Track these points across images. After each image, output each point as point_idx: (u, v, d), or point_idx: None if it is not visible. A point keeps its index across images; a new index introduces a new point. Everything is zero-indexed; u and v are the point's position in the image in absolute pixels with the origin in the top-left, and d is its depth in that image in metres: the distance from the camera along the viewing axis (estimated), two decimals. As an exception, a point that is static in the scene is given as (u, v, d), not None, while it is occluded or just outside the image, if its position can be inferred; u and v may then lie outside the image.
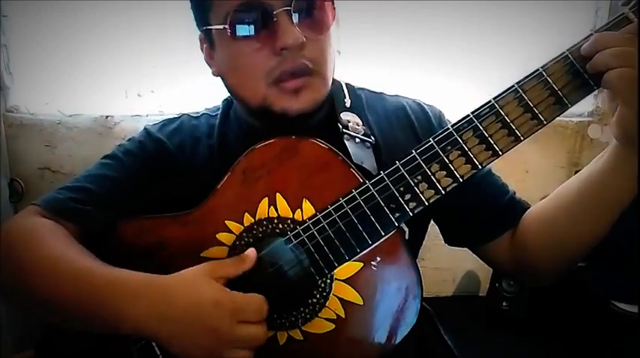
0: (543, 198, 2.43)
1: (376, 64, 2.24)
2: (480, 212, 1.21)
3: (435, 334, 1.33)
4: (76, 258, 1.03)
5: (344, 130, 1.15)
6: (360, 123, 1.19)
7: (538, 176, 2.40)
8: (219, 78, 1.20)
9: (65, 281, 0.99)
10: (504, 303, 2.24)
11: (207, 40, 1.17)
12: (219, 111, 1.31)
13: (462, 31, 2.31)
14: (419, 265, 1.04)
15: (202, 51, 1.21)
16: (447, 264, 2.41)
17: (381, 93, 1.34)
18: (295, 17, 1.04)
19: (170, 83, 2.22)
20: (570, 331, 2.15)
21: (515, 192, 1.27)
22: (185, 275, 0.98)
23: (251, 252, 1.02)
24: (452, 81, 2.34)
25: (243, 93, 1.15)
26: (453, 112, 2.25)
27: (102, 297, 0.96)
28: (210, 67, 1.21)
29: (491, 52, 2.36)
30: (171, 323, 0.93)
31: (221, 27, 1.08)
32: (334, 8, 1.13)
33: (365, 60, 2.19)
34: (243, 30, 1.06)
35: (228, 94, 1.32)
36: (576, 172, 2.37)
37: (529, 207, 1.21)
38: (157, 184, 1.20)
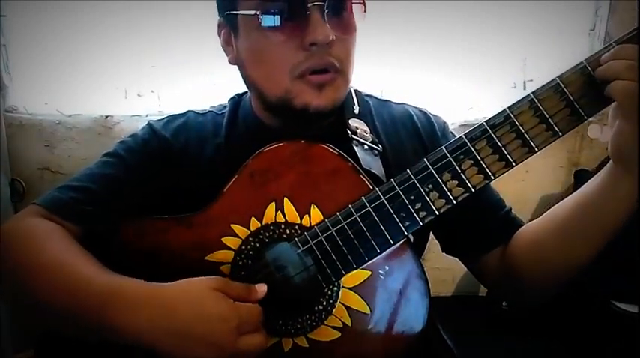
0: (543, 196, 2.45)
1: (377, 64, 2.23)
2: (472, 225, 1.20)
3: (435, 334, 1.32)
4: (74, 263, 1.01)
5: (353, 136, 1.14)
6: (368, 130, 1.18)
7: (538, 176, 2.40)
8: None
9: (63, 289, 0.98)
10: (504, 303, 2.24)
11: (230, 25, 1.14)
12: (225, 110, 1.29)
13: (462, 31, 2.31)
14: (419, 266, 1.04)
15: (219, 36, 1.19)
16: (447, 263, 2.39)
17: (388, 100, 1.33)
18: (327, 14, 1.02)
19: (170, 83, 2.21)
20: (570, 331, 2.15)
21: (511, 209, 1.25)
22: (190, 286, 0.96)
23: (261, 287, 1.00)
24: (452, 81, 2.34)
25: (263, 85, 1.12)
26: (454, 112, 2.27)
27: (101, 307, 0.94)
28: (227, 54, 1.19)
29: (491, 52, 2.36)
30: (174, 335, 0.91)
31: (251, 13, 1.04)
32: (364, 10, 1.11)
33: (366, 60, 2.17)
34: (274, 20, 1.04)
35: (235, 93, 1.32)
36: (576, 172, 2.40)
37: (523, 225, 1.20)
38: (160, 183, 1.19)
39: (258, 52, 1.09)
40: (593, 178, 1.02)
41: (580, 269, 1.06)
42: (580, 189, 1.04)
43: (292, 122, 1.15)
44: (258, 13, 1.03)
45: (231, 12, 1.10)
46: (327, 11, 1.02)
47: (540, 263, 1.10)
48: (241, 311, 0.94)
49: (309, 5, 1.01)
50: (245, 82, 1.19)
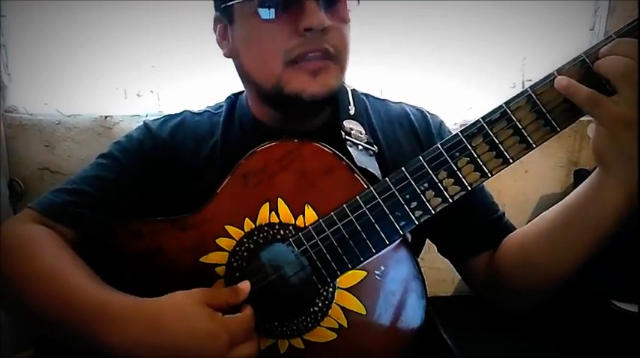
0: (543, 196, 2.44)
1: (376, 64, 2.23)
2: (463, 226, 1.20)
3: (434, 334, 1.32)
4: (65, 273, 1.01)
5: (346, 137, 1.13)
6: (363, 131, 1.18)
7: (537, 175, 2.40)
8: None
9: (53, 299, 0.98)
10: (504, 303, 2.24)
11: (226, 17, 1.14)
12: (221, 109, 1.29)
13: (461, 31, 2.31)
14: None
15: (215, 31, 1.19)
16: (447, 263, 2.40)
17: (385, 99, 1.33)
18: (322, 2, 1.03)
19: (170, 83, 2.21)
20: (570, 331, 2.15)
21: (504, 213, 1.24)
22: (178, 301, 0.95)
23: (245, 285, 1.00)
24: (451, 81, 2.34)
25: (257, 73, 1.12)
26: (454, 112, 2.27)
27: (89, 321, 0.94)
28: (222, 48, 1.19)
29: (490, 52, 2.36)
30: (163, 352, 0.91)
31: None
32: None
33: (365, 60, 2.18)
34: (269, 5, 1.04)
35: (231, 93, 1.32)
36: (575, 171, 2.39)
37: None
38: (155, 184, 1.19)
39: (252, 39, 1.10)
40: (581, 184, 1.00)
41: (566, 276, 1.04)
42: (569, 195, 1.02)
43: (288, 114, 1.15)
44: None
45: (227, 3, 1.10)
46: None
47: (525, 268, 1.09)
48: (231, 326, 0.93)
49: None
50: (240, 74, 1.19)
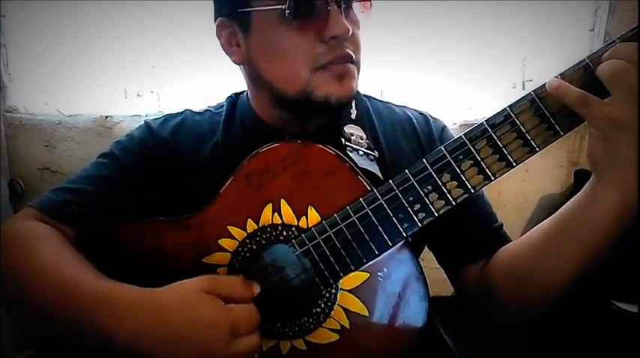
0: (543, 196, 2.44)
1: (376, 64, 2.23)
2: (460, 234, 1.18)
3: (434, 334, 1.31)
4: (67, 269, 1.00)
5: (346, 143, 1.13)
6: (364, 136, 1.17)
7: (538, 175, 2.40)
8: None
9: (54, 294, 0.97)
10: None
11: (238, 23, 1.13)
12: (222, 109, 1.28)
13: (461, 31, 2.31)
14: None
15: (219, 38, 1.17)
16: (447, 263, 2.42)
17: (387, 102, 1.33)
18: (343, 9, 1.05)
19: (170, 83, 2.22)
20: (570, 331, 2.15)
21: (502, 225, 1.22)
22: (181, 290, 0.95)
23: (257, 287, 1.00)
24: (452, 81, 2.34)
25: (280, 80, 1.11)
26: (454, 113, 2.27)
27: (92, 314, 0.93)
28: (230, 55, 1.17)
29: (490, 52, 2.36)
30: (166, 342, 0.90)
31: (277, 7, 1.04)
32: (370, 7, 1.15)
33: (365, 60, 2.17)
34: (297, 13, 1.04)
35: (232, 92, 1.31)
36: (576, 171, 2.39)
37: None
38: (156, 183, 1.18)
39: (275, 47, 1.09)
40: (574, 196, 0.98)
41: (560, 290, 1.01)
42: (564, 205, 1.00)
43: (302, 116, 1.16)
44: (284, 7, 1.04)
45: (245, 9, 1.09)
46: (343, 6, 1.05)
47: (518, 280, 1.06)
48: (233, 315, 0.93)
49: (329, 1, 1.03)
50: (255, 80, 1.18)
